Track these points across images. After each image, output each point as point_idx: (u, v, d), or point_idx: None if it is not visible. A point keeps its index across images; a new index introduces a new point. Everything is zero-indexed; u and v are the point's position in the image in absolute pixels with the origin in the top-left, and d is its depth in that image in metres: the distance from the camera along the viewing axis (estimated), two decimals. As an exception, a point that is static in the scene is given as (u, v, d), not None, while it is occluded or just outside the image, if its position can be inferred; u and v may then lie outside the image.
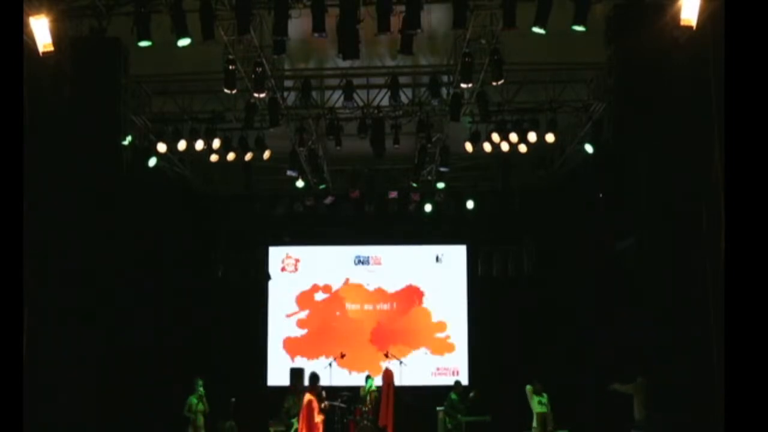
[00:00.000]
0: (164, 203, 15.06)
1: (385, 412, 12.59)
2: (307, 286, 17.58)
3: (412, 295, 17.50)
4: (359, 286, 17.56)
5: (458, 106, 12.02)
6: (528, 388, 13.84)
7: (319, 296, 17.56)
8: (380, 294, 17.50)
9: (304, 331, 17.43)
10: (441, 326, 17.36)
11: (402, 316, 17.43)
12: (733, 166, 5.85)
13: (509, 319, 16.52)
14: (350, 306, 17.49)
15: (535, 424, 13.91)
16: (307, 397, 11.06)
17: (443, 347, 17.27)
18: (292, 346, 17.31)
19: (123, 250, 13.11)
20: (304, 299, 17.54)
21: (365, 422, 13.81)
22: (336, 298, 17.54)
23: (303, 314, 17.49)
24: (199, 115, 12.92)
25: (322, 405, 12.01)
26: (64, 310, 10.67)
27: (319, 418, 11.44)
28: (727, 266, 5.97)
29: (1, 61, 6.05)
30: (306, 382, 11.77)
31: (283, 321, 17.43)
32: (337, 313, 17.47)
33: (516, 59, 10.91)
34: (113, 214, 12.35)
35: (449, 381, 15.29)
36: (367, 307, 17.48)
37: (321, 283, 17.58)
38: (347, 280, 17.57)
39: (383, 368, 14.30)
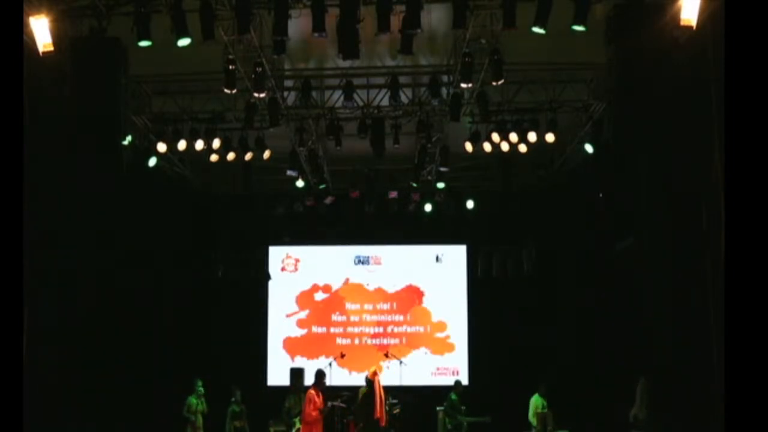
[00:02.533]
0: (164, 203, 15.07)
1: (381, 406, 12.87)
2: (307, 286, 17.58)
3: (412, 295, 17.49)
4: (359, 286, 17.56)
5: (458, 106, 12.02)
6: (536, 399, 13.91)
7: (319, 296, 17.56)
8: (380, 294, 17.50)
9: (304, 331, 17.43)
10: (441, 326, 17.36)
11: (402, 316, 17.43)
12: (733, 166, 5.85)
13: (509, 319, 16.51)
14: (350, 306, 17.48)
15: (534, 423, 13.94)
16: (309, 392, 11.29)
17: (443, 347, 17.27)
18: (292, 346, 17.31)
19: (123, 250, 13.11)
20: (304, 299, 17.53)
21: (361, 424, 13.77)
22: (336, 298, 17.53)
23: (303, 314, 17.48)
24: (199, 115, 12.92)
25: (328, 404, 12.15)
26: (64, 309, 10.67)
27: (315, 412, 11.55)
28: (727, 266, 5.96)
29: (1, 61, 6.04)
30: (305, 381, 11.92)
31: (283, 321, 17.43)
32: (337, 312, 17.47)
33: (516, 59, 10.92)
34: (113, 214, 12.35)
35: (449, 381, 15.29)
36: (367, 306, 17.47)
37: (321, 283, 17.58)
38: (347, 280, 17.57)
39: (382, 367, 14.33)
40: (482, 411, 14.59)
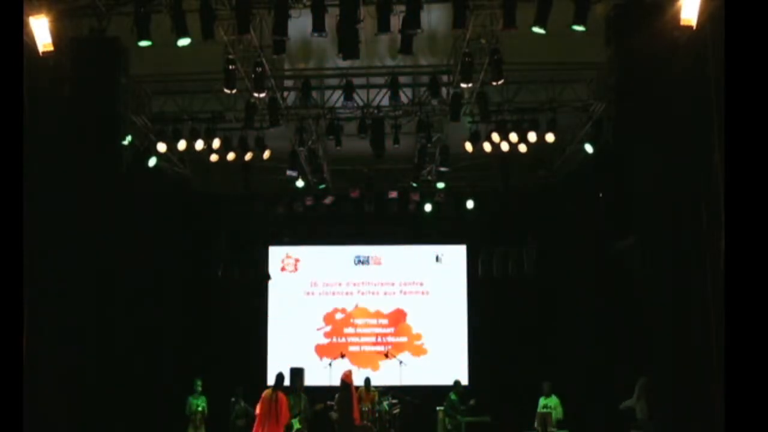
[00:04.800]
0: (164, 203, 15.07)
1: (358, 408, 13.47)
2: (307, 286, 17.58)
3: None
4: (360, 287, 17.58)
5: (458, 106, 12.03)
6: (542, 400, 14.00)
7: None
8: (381, 295, 17.52)
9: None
10: (441, 326, 17.39)
11: (403, 318, 17.45)
12: (733, 166, 5.85)
13: (509, 320, 16.51)
14: (358, 321, 17.53)
15: (536, 424, 13.95)
16: (281, 395, 11.74)
17: (443, 347, 17.28)
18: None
19: (123, 250, 13.09)
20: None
21: (365, 422, 13.82)
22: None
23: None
24: (199, 115, 12.92)
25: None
26: (63, 310, 10.66)
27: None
28: (727, 266, 5.96)
29: (1, 61, 6.04)
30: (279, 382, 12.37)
31: (282, 321, 17.45)
32: (350, 327, 17.55)
33: (516, 59, 10.91)
34: (113, 214, 12.33)
35: (449, 381, 15.28)
36: (371, 321, 17.50)
37: (321, 283, 17.58)
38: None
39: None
40: (482, 411, 14.61)
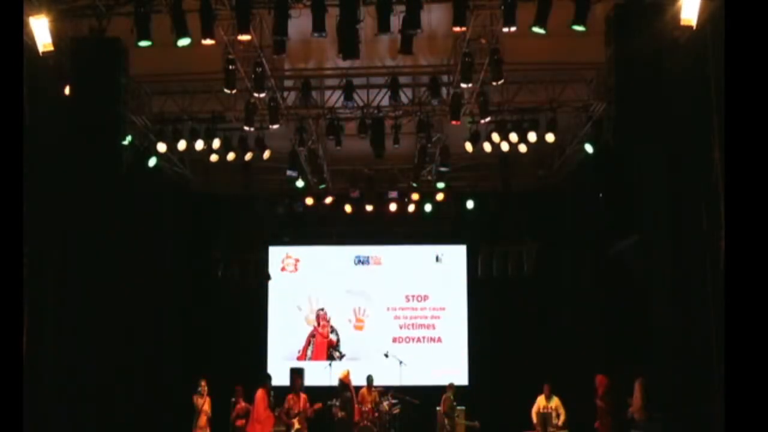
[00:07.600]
0: (164, 203, 15.06)
1: (356, 404, 13.85)
2: (307, 287, 17.57)
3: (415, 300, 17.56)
4: (360, 287, 17.60)
5: (458, 106, 12.03)
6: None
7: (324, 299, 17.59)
8: (381, 297, 17.53)
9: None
10: (441, 325, 17.37)
11: (403, 319, 17.46)
12: (733, 166, 5.85)
13: (509, 319, 16.51)
14: (354, 308, 17.53)
15: (536, 424, 13.95)
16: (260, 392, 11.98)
17: (442, 347, 17.26)
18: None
19: (123, 250, 13.10)
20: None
21: (365, 422, 13.82)
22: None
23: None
24: (199, 115, 12.92)
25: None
26: (64, 310, 10.67)
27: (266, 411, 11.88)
28: (727, 266, 5.97)
29: (1, 61, 6.04)
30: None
31: (283, 322, 17.44)
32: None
33: (516, 59, 10.91)
34: (113, 214, 12.34)
35: (449, 381, 15.28)
36: (370, 310, 17.50)
37: (321, 282, 17.58)
38: (349, 281, 17.57)
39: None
40: (482, 411, 14.63)
